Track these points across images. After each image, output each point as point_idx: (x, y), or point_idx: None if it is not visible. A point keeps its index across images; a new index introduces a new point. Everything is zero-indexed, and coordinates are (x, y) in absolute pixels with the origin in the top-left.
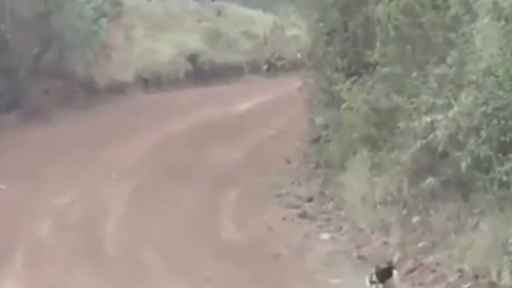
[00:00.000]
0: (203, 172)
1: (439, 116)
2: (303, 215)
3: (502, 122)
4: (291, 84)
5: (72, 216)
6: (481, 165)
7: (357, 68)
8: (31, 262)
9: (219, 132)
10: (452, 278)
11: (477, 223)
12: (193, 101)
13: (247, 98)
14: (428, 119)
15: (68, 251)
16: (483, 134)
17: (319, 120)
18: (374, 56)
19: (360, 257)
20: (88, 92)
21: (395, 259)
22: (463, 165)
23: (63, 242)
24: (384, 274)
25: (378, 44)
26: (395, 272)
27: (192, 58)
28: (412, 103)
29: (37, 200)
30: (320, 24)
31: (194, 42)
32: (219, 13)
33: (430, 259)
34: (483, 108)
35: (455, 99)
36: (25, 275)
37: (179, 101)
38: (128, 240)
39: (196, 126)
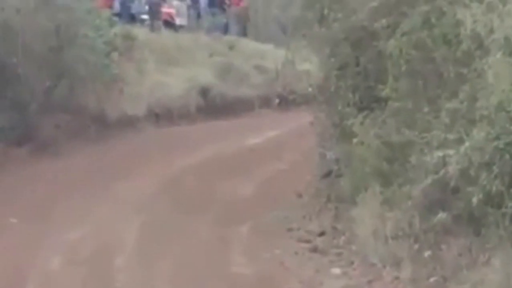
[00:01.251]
0: (214, 207)
1: (450, 151)
2: (314, 250)
3: None
4: (302, 118)
5: (84, 251)
6: (492, 200)
7: (369, 103)
8: None
9: (230, 166)
10: None
11: (489, 258)
12: (204, 135)
13: (258, 132)
14: (439, 154)
15: (78, 286)
16: (495, 169)
17: (330, 155)
18: (386, 90)
19: None
20: (99, 126)
21: None
22: (475, 200)
23: (74, 276)
24: None
25: (390, 78)
26: None
27: (204, 92)
28: (423, 137)
29: (48, 234)
30: (332, 59)
31: (205, 76)
32: (231, 47)
33: None
34: (495, 143)
35: (467, 134)
36: None
37: (190, 135)
38: (140, 276)
39: (207, 161)
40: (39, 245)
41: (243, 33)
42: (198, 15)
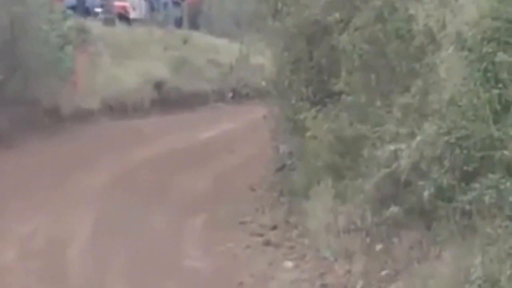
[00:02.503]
0: (168, 200)
1: (402, 145)
2: (267, 243)
3: (465, 151)
4: (256, 112)
5: (36, 244)
6: (444, 194)
7: (322, 97)
8: None
9: (184, 159)
10: None
11: (440, 252)
12: (159, 128)
13: (212, 126)
14: (391, 148)
15: (31, 279)
16: (446, 163)
17: (283, 149)
18: (338, 85)
19: (323, 285)
20: (53, 119)
21: (358, 287)
22: (426, 194)
23: (26, 270)
24: None
25: (343, 73)
26: None
27: (158, 85)
28: (376, 132)
29: (1, 227)
30: (285, 53)
31: (160, 69)
32: (185, 42)
33: (393, 287)
34: (446, 138)
35: (419, 128)
36: None
37: (145, 128)
38: (93, 268)
39: (161, 154)
40: None
41: (195, 26)
42: (152, 9)
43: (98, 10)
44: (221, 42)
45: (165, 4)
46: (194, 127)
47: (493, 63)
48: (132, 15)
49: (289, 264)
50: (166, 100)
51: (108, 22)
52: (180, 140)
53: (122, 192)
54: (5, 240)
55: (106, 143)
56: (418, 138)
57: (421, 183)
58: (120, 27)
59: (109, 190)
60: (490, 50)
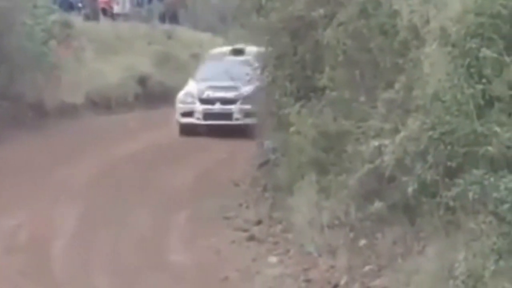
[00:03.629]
0: (151, 195)
1: (386, 141)
2: (251, 238)
3: (449, 147)
4: None
5: (20, 239)
6: (427, 190)
7: (306, 92)
8: None
9: (167, 154)
10: None
11: (424, 247)
12: (143, 123)
13: None
14: (375, 143)
15: (15, 274)
16: (430, 159)
17: (267, 144)
18: (323, 80)
19: (307, 281)
20: (37, 114)
21: (342, 282)
22: (410, 189)
23: (10, 265)
24: None
25: (327, 68)
26: None
27: (142, 80)
28: (360, 127)
29: None
30: (270, 48)
31: (144, 64)
32: (169, 37)
33: (377, 282)
34: (430, 133)
35: (403, 124)
36: None
37: (129, 123)
38: (77, 263)
39: (144, 149)
40: None
41: (178, 21)
42: (136, 3)
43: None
44: (205, 36)
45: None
46: None
47: (477, 58)
48: (116, 9)
49: (273, 259)
50: (150, 95)
51: (88, 17)
52: (163, 135)
53: (106, 187)
54: None
55: (90, 137)
56: (402, 133)
57: (405, 178)
58: (104, 22)
59: (93, 184)
60: (474, 45)
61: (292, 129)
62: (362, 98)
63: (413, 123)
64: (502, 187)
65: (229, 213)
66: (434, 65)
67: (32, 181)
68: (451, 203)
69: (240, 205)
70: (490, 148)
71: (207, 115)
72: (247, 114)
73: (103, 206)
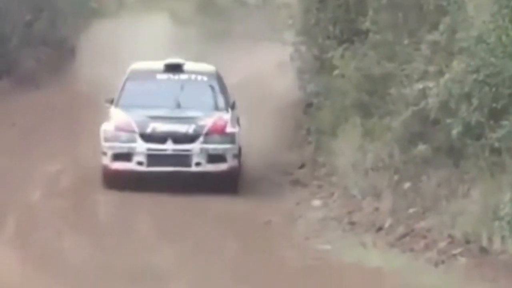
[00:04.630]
0: None
1: (430, 84)
2: (295, 182)
3: (494, 89)
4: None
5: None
6: (472, 132)
7: (349, 36)
8: None
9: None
10: (443, 244)
11: (468, 189)
12: None
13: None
14: (419, 86)
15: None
16: (475, 101)
17: (310, 87)
18: (366, 23)
19: (351, 223)
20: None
21: (386, 224)
22: (455, 132)
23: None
24: None
25: (370, 11)
26: None
27: None
28: (403, 70)
29: (26, 166)
30: None
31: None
32: None
33: (421, 225)
34: (475, 75)
35: (447, 66)
36: None
37: None
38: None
39: None
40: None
41: None
42: None
43: None
44: None
45: None
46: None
47: None
48: None
49: (317, 202)
50: None
51: None
52: None
53: None
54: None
55: None
56: (446, 76)
57: (449, 121)
58: None
59: None
60: None
61: (335, 72)
62: (406, 41)
63: (458, 66)
64: None
65: (273, 158)
66: (478, 7)
67: (72, 127)
68: (496, 145)
69: (284, 149)
70: None
71: (153, 159)
72: (212, 158)
73: None
